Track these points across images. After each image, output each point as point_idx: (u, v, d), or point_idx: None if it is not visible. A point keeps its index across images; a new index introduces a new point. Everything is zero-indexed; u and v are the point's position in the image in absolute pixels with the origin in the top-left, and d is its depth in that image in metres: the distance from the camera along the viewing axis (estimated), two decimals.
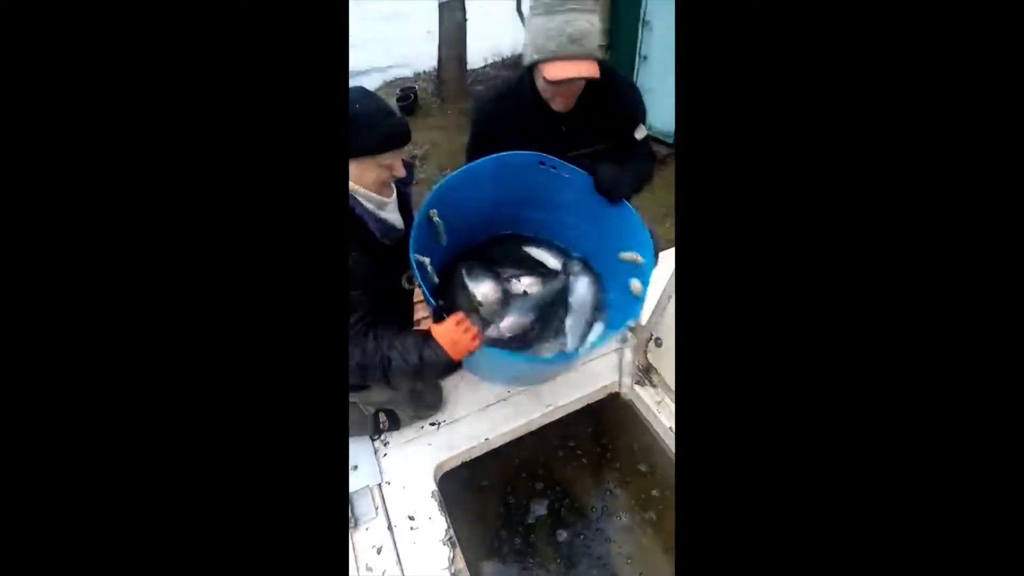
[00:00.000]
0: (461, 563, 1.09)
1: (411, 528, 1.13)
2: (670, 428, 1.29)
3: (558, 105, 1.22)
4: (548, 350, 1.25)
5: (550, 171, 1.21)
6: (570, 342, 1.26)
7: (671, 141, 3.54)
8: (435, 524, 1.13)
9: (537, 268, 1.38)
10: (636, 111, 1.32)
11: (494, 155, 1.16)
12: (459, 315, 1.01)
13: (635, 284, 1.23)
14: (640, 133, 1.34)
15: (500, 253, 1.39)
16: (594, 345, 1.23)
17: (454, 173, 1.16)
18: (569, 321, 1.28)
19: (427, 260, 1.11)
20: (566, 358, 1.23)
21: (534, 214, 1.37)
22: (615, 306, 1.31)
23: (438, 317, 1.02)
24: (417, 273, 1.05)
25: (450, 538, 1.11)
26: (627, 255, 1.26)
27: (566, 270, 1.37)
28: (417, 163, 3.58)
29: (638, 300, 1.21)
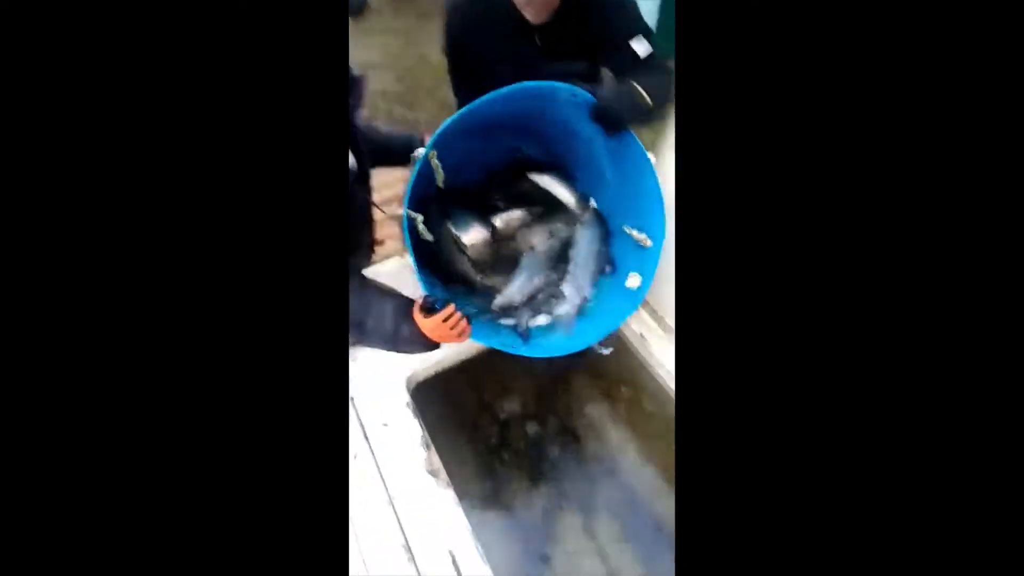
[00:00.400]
0: (438, 463, 1.13)
1: (386, 436, 1.15)
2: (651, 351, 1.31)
3: (530, 15, 1.06)
4: (552, 312, 1.16)
5: (578, 103, 0.99)
6: (569, 302, 1.12)
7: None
8: (410, 430, 1.16)
9: (540, 202, 1.23)
10: (629, 22, 1.08)
11: (508, 87, 0.94)
12: (450, 309, 0.90)
13: (633, 278, 1.07)
14: (641, 46, 1.05)
15: (498, 184, 1.23)
16: (596, 339, 1.09)
17: (459, 113, 0.94)
18: (571, 283, 1.14)
19: (420, 217, 0.97)
20: (566, 348, 1.09)
21: (545, 141, 1.18)
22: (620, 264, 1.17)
23: (429, 310, 0.90)
24: (407, 233, 0.93)
25: (426, 442, 1.15)
26: (635, 233, 1.09)
27: (577, 215, 1.20)
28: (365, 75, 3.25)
29: (637, 291, 1.06)
